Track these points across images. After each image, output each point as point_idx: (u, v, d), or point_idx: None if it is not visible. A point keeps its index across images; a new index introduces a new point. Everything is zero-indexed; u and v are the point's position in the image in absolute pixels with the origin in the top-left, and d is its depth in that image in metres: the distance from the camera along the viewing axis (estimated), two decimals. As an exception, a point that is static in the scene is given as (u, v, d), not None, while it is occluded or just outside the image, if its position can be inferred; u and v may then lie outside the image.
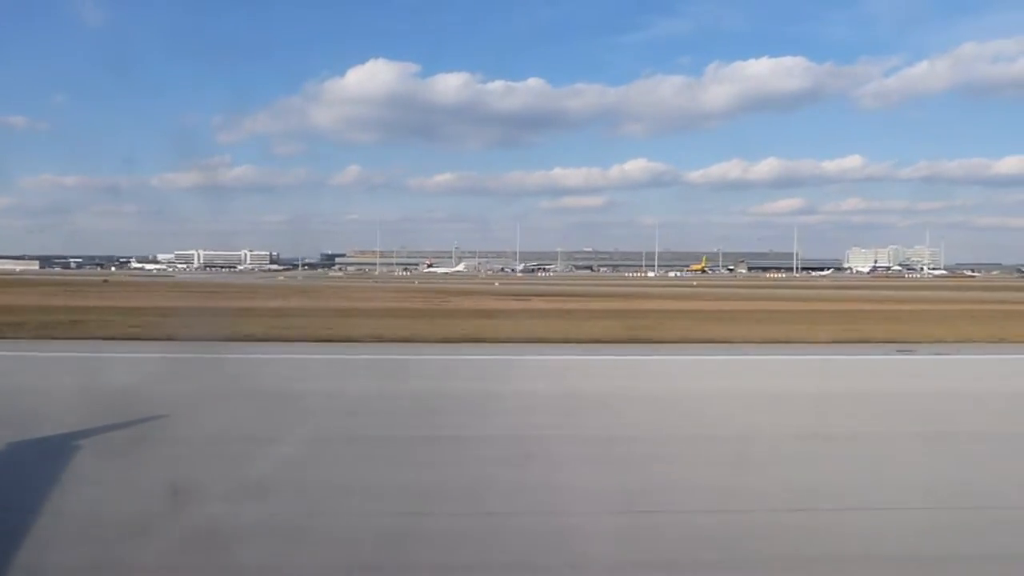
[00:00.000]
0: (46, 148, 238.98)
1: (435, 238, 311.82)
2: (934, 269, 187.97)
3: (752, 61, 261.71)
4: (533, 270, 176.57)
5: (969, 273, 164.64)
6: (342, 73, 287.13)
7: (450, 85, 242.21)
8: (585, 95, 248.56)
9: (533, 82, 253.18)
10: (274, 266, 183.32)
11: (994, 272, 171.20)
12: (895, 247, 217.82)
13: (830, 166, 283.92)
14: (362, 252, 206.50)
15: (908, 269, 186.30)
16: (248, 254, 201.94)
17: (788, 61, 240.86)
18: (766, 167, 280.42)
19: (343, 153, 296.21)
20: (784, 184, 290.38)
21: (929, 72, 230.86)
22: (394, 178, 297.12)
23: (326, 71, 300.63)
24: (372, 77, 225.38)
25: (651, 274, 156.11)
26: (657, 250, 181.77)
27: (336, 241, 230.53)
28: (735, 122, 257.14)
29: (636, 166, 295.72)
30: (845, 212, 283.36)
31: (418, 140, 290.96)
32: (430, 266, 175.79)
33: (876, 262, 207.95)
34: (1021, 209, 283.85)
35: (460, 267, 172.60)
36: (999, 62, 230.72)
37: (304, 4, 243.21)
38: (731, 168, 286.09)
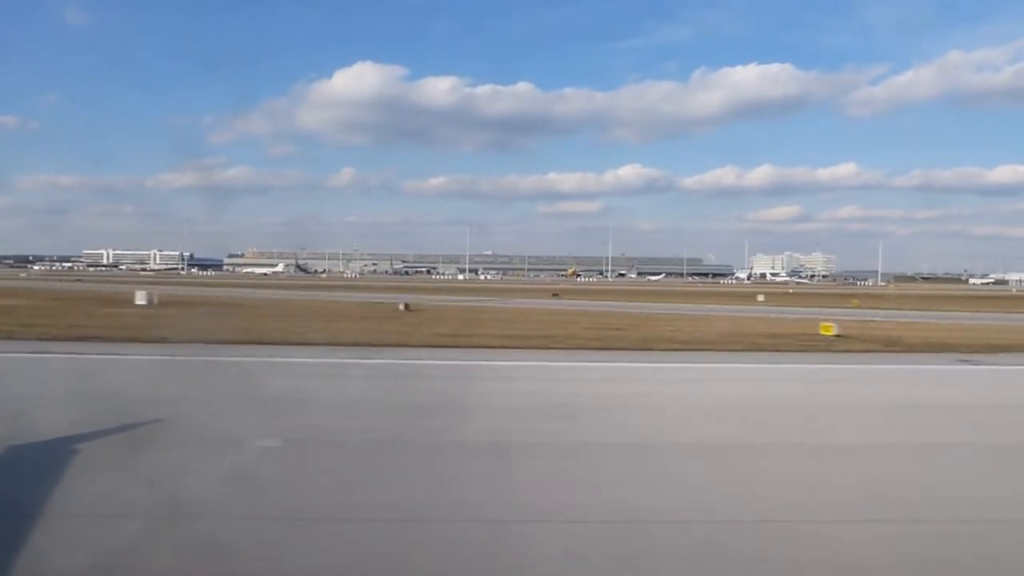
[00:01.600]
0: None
1: (432, 242, 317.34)
2: (823, 276, 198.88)
3: (740, 68, 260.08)
4: (407, 272, 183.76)
5: (804, 280, 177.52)
6: (329, 75, 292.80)
7: (438, 89, 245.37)
8: (574, 100, 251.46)
9: (522, 86, 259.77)
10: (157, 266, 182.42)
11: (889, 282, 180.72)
12: (790, 254, 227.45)
13: (824, 174, 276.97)
14: (261, 253, 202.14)
15: (797, 276, 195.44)
16: (157, 254, 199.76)
17: (775, 68, 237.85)
18: (760, 174, 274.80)
19: (337, 155, 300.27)
20: (779, 191, 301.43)
21: (915, 80, 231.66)
22: (389, 181, 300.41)
23: (313, 73, 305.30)
24: (359, 79, 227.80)
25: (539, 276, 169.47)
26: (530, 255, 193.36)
27: (332, 242, 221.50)
28: (726, 128, 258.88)
29: (630, 171, 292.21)
30: (842, 220, 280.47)
31: (410, 143, 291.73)
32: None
33: (773, 268, 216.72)
34: (1017, 218, 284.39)
35: (279, 268, 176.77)
36: (985, 71, 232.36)
37: (291, 6, 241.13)
38: (725, 174, 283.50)
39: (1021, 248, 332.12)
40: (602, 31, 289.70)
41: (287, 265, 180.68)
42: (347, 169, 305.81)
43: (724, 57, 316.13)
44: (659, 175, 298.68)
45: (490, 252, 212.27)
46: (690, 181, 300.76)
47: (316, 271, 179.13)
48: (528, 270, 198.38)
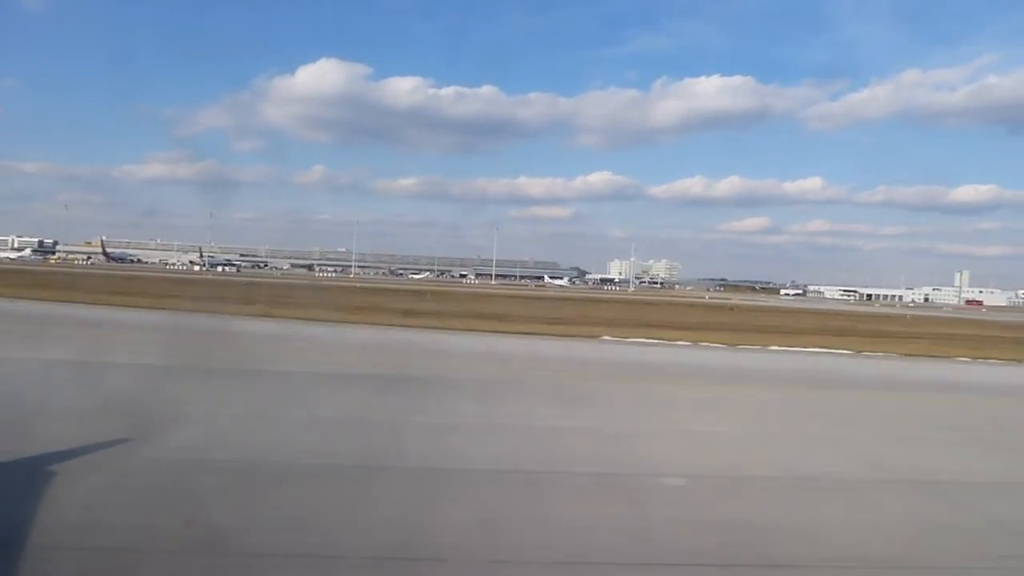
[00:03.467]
0: None
1: (404, 243, 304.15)
2: (659, 283, 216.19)
3: (703, 79, 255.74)
4: (255, 266, 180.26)
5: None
6: (292, 71, 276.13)
7: (402, 88, 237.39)
8: (538, 104, 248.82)
9: (487, 89, 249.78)
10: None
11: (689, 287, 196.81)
12: (634, 259, 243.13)
13: (791, 187, 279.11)
14: (87, 243, 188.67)
15: (640, 282, 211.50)
16: (15, 239, 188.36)
17: (737, 80, 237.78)
18: (728, 185, 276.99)
19: (305, 152, 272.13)
20: (747, 203, 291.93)
21: (872, 98, 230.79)
22: (360, 180, 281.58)
23: (276, 68, 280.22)
24: (322, 76, 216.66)
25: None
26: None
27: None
28: (690, 138, 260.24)
29: (600, 178, 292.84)
30: (811, 233, 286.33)
31: (377, 143, 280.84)
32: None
33: (620, 274, 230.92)
34: (982, 238, 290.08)
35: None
36: (941, 91, 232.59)
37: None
38: (694, 184, 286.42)
39: (988, 266, 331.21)
40: (583, 39, 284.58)
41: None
42: (317, 166, 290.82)
43: (700, 68, 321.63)
44: (628, 183, 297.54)
45: (343, 249, 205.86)
46: (658, 190, 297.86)
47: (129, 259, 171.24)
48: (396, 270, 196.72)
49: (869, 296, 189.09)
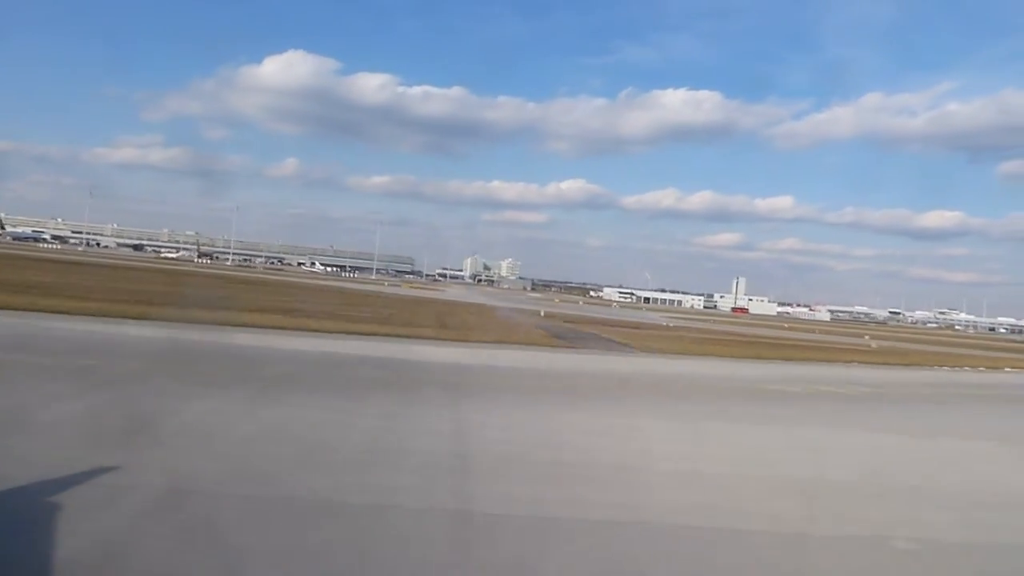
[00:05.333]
0: None
1: (360, 242, 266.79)
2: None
3: (670, 91, 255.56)
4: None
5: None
6: (259, 61, 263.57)
7: (370, 85, 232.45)
8: (506, 107, 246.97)
9: (456, 91, 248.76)
10: None
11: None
12: (477, 256, 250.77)
13: (762, 204, 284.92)
14: None
15: (477, 280, 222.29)
16: None
17: (703, 94, 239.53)
18: (700, 199, 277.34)
19: (276, 144, 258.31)
20: (719, 218, 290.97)
21: (834, 119, 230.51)
22: (333, 175, 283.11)
23: (243, 57, 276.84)
24: (289, 68, 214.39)
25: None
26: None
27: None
28: (658, 149, 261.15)
29: (573, 186, 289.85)
30: (783, 251, 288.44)
31: (348, 138, 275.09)
32: None
33: (463, 272, 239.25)
34: (952, 263, 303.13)
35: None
36: (902, 116, 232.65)
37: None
38: (665, 196, 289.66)
39: (956, 292, 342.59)
40: (569, 48, 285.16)
41: None
42: (290, 160, 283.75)
43: (667, 80, 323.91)
44: (600, 191, 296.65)
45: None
46: (630, 200, 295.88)
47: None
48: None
49: (647, 299, 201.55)
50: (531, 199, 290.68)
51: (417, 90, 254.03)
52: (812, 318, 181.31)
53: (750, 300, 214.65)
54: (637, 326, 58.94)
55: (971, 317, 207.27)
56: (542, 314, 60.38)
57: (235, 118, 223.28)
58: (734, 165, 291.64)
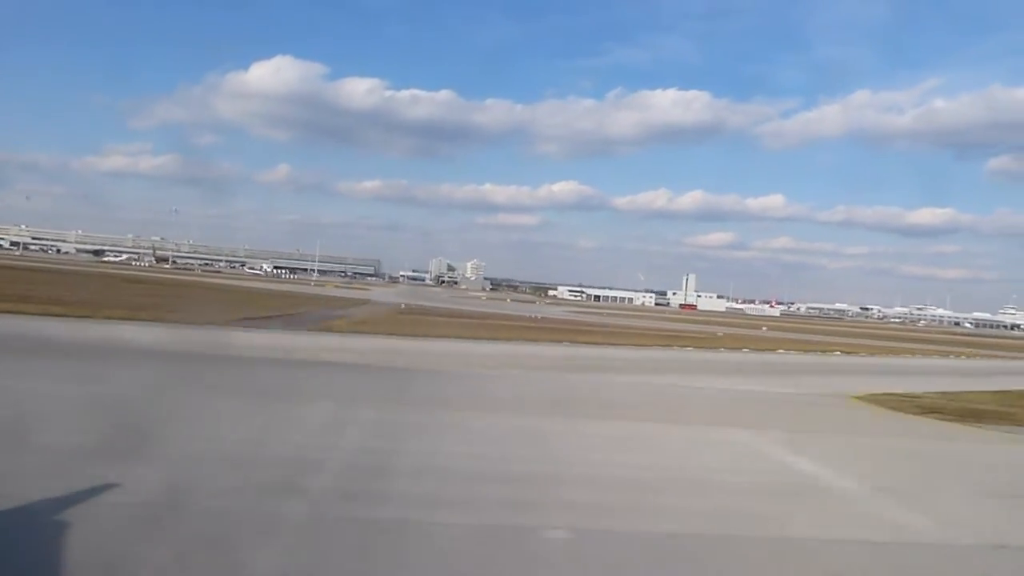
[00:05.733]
0: None
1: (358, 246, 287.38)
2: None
3: (659, 91, 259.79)
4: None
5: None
6: (246, 67, 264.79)
7: (358, 89, 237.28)
8: (495, 110, 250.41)
9: (444, 94, 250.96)
10: None
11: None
12: (440, 259, 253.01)
13: (754, 203, 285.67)
14: None
15: (440, 280, 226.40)
16: None
17: (692, 94, 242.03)
18: (690, 199, 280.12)
19: (266, 150, 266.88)
20: (711, 217, 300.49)
21: (823, 117, 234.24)
22: (324, 181, 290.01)
23: (229, 63, 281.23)
24: (276, 73, 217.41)
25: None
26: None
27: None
28: (648, 150, 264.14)
29: (564, 187, 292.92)
30: (776, 250, 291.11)
31: (337, 143, 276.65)
32: None
33: (427, 273, 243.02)
34: (944, 260, 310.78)
35: None
36: (890, 113, 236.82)
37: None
38: (657, 197, 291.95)
39: (949, 288, 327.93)
40: (557, 50, 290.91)
41: None
42: (282, 166, 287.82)
43: (656, 81, 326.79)
44: (592, 193, 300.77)
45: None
46: (622, 201, 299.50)
47: None
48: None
49: (597, 297, 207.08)
50: (523, 201, 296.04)
51: (405, 94, 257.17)
52: (761, 314, 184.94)
53: (699, 296, 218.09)
54: (472, 315, 61.99)
55: (947, 312, 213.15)
56: (402, 306, 64.51)
57: (224, 124, 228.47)
58: (725, 165, 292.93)
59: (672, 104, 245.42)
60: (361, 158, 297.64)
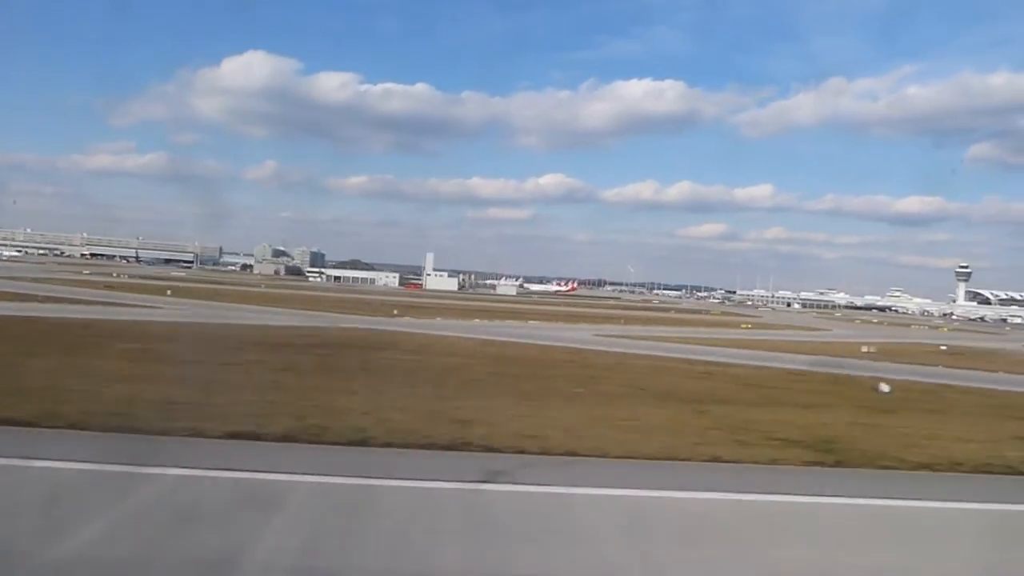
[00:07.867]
0: None
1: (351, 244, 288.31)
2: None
3: (634, 81, 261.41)
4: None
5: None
6: (217, 62, 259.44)
7: (331, 84, 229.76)
8: (471, 103, 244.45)
9: (420, 87, 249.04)
10: None
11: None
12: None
13: (742, 193, 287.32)
14: None
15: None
16: None
17: (667, 83, 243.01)
18: (678, 191, 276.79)
19: (246, 147, 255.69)
20: (699, 208, 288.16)
21: (799, 105, 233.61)
22: (312, 177, 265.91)
23: (201, 59, 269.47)
24: (248, 69, 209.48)
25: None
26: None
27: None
28: (627, 141, 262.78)
29: (551, 181, 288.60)
30: (770, 241, 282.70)
31: (316, 139, 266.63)
32: None
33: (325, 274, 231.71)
34: (936, 249, 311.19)
35: None
36: (864, 100, 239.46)
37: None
38: (645, 188, 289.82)
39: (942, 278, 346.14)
40: (552, 43, 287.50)
41: None
42: (269, 162, 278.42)
43: (641, 71, 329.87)
44: (579, 186, 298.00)
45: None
46: (610, 193, 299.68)
47: None
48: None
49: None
50: (510, 195, 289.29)
51: (379, 88, 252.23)
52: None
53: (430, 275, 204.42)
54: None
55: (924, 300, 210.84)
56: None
57: (200, 121, 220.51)
58: (708, 155, 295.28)
59: (645, 94, 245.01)
60: (345, 155, 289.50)
